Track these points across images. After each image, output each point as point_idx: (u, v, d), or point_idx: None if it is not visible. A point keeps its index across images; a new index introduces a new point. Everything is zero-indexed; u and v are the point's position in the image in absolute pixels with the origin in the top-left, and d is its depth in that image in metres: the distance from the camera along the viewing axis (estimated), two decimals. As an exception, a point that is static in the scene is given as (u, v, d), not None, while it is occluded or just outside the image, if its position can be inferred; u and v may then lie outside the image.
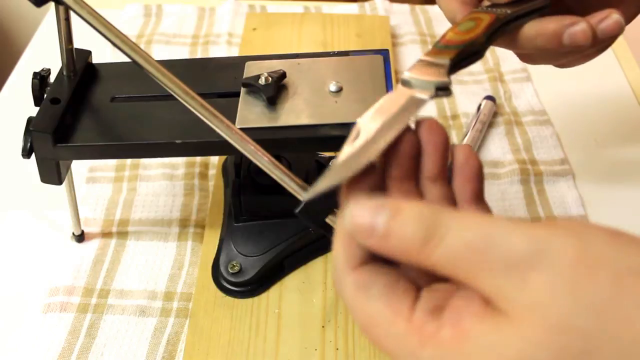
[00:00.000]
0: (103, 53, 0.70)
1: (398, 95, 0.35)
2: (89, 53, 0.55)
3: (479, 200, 0.33)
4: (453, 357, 0.26)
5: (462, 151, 0.33)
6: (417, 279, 0.30)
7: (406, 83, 0.36)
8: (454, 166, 0.33)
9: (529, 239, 0.25)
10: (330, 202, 0.39)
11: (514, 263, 0.25)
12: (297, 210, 0.39)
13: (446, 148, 0.33)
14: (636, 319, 0.24)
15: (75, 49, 0.52)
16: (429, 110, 0.74)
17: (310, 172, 0.57)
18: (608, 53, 0.82)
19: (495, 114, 0.73)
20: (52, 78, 0.52)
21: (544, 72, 0.80)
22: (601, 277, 0.24)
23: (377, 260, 0.29)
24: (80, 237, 0.60)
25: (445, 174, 0.33)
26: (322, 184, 0.31)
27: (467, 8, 0.45)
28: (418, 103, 0.35)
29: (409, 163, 0.33)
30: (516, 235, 0.25)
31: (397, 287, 0.28)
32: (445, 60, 0.37)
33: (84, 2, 0.42)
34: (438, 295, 0.28)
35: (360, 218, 0.28)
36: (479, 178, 0.33)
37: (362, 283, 0.29)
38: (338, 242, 0.30)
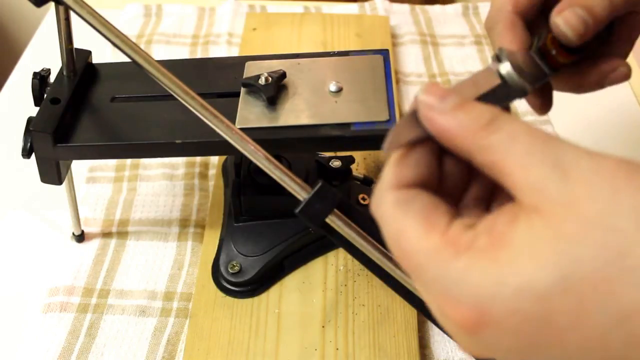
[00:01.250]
0: (103, 53, 0.71)
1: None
2: (89, 53, 0.55)
3: None
4: (488, 265, 0.25)
5: None
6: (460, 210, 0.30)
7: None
8: None
9: (582, 150, 0.26)
10: (330, 202, 0.39)
11: (563, 160, 0.25)
12: (297, 210, 0.39)
13: None
14: None
15: (75, 49, 0.52)
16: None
17: (310, 172, 0.57)
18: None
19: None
20: (52, 78, 0.52)
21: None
22: (639, 184, 0.24)
23: (422, 188, 0.29)
24: (80, 237, 0.60)
25: None
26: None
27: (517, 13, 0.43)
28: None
29: None
30: (572, 145, 0.26)
31: (436, 207, 0.28)
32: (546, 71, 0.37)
33: (84, 2, 0.42)
34: (474, 217, 0.28)
35: (433, 91, 0.28)
36: None
37: (402, 199, 0.28)
38: (389, 164, 0.30)
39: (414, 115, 0.29)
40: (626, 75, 0.40)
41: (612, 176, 0.25)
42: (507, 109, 0.34)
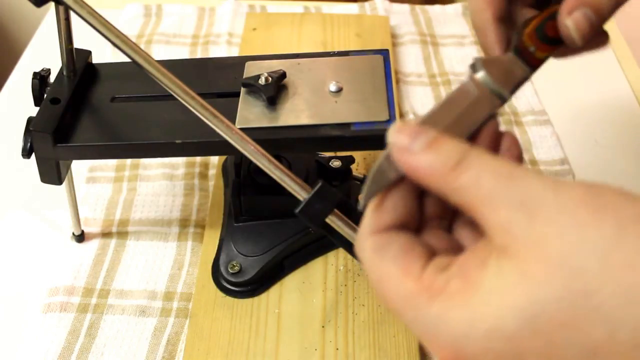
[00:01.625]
0: (103, 53, 0.71)
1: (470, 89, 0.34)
2: (89, 53, 0.55)
3: None
4: (460, 308, 0.26)
5: (507, 138, 0.34)
6: (436, 243, 0.31)
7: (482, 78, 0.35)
8: (499, 151, 0.34)
9: (546, 183, 0.26)
10: (330, 202, 0.39)
11: (527, 199, 0.26)
12: (297, 210, 0.39)
13: (495, 133, 0.34)
14: (637, 263, 0.24)
15: (75, 49, 0.52)
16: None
17: (310, 172, 0.57)
18: (608, 53, 0.82)
19: (497, 114, 0.73)
20: (52, 78, 0.52)
21: (544, 72, 0.80)
22: (605, 220, 0.25)
23: (400, 230, 0.30)
24: (80, 237, 0.60)
25: None
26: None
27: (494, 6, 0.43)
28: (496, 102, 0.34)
29: None
30: (536, 178, 0.27)
31: (412, 249, 0.29)
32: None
33: (84, 2, 0.42)
34: (448, 257, 0.29)
35: (403, 131, 0.29)
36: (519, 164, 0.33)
37: (379, 245, 0.30)
38: (368, 210, 0.31)
39: (389, 158, 0.30)
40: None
41: (576, 212, 0.25)
42: (492, 116, 0.34)
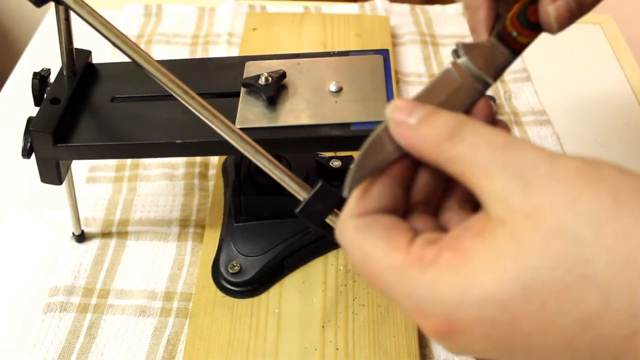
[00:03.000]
0: (103, 53, 0.71)
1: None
2: (89, 53, 0.55)
3: None
4: (453, 277, 0.26)
5: (500, 127, 0.33)
6: (422, 226, 0.31)
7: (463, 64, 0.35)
8: None
9: (542, 154, 0.26)
10: (330, 202, 0.39)
11: (524, 168, 0.26)
12: (297, 210, 0.39)
13: (488, 122, 0.33)
14: (634, 233, 0.24)
15: (75, 49, 0.52)
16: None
17: (310, 172, 0.57)
18: (608, 53, 0.82)
19: (495, 114, 0.73)
20: (52, 78, 0.52)
21: (544, 72, 0.80)
22: (601, 191, 0.25)
23: (384, 213, 0.30)
24: (80, 237, 0.60)
25: None
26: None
27: None
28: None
29: None
30: (532, 148, 0.27)
31: (396, 227, 0.29)
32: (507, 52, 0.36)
33: (84, 2, 0.42)
34: (436, 234, 0.29)
35: (400, 105, 0.30)
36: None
37: (362, 225, 0.29)
38: (350, 198, 0.31)
39: (386, 132, 0.31)
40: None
41: (572, 182, 0.25)
42: (478, 99, 0.34)
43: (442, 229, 0.31)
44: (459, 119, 0.28)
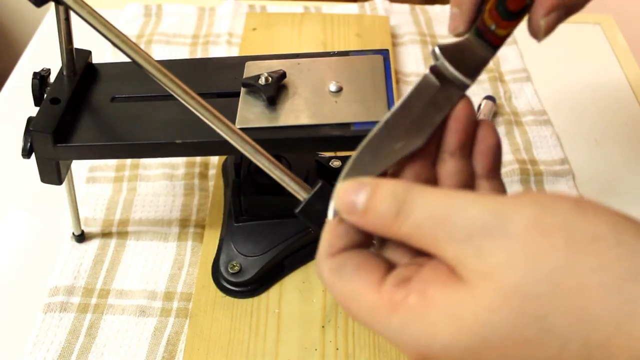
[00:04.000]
0: (103, 53, 0.71)
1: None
2: (89, 53, 0.55)
3: (492, 175, 0.34)
4: (419, 322, 0.27)
5: (483, 127, 0.34)
6: (399, 258, 0.32)
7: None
8: (475, 141, 0.34)
9: (489, 209, 0.27)
10: (329, 202, 0.39)
11: (471, 232, 0.27)
12: (297, 210, 0.39)
13: (470, 123, 0.34)
14: (588, 284, 0.25)
15: (75, 49, 0.52)
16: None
17: (310, 172, 0.57)
18: (608, 53, 0.82)
19: (495, 114, 0.73)
20: (52, 78, 0.52)
21: (544, 72, 0.80)
22: (556, 243, 0.25)
23: (354, 249, 0.31)
24: (80, 237, 0.60)
25: (466, 150, 0.34)
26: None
27: None
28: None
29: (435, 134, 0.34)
30: (477, 207, 0.27)
31: (366, 265, 0.30)
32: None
33: (84, 2, 0.42)
34: (409, 270, 0.30)
35: (345, 196, 0.30)
36: (494, 154, 0.34)
37: (335, 265, 0.31)
38: (323, 233, 0.32)
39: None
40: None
41: (525, 238, 0.26)
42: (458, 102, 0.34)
43: (419, 256, 0.32)
44: (397, 194, 0.29)
